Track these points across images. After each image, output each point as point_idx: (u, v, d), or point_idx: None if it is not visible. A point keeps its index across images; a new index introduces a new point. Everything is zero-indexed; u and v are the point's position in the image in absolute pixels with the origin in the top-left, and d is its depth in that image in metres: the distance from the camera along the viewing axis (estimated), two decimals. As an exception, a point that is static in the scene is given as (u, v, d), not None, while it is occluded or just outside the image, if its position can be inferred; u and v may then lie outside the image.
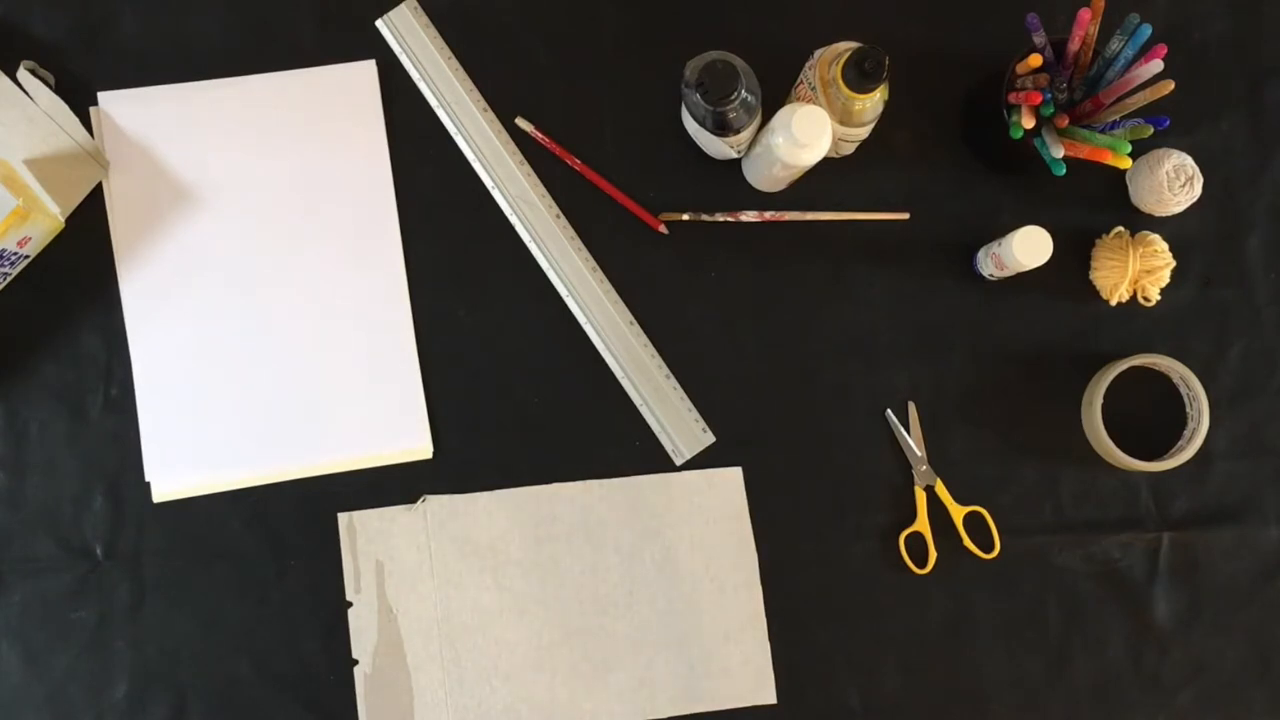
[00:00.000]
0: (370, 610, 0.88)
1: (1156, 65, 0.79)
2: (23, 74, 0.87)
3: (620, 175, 0.91)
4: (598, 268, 0.91)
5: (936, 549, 0.90)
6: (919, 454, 0.91)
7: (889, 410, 0.91)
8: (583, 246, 0.91)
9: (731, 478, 0.90)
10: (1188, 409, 0.91)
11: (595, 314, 0.90)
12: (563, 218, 0.91)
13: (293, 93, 0.91)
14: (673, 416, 0.90)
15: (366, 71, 0.91)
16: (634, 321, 0.90)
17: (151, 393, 0.89)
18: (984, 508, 0.90)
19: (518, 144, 0.91)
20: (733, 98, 0.79)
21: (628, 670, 0.89)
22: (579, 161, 0.91)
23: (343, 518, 0.89)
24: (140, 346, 0.89)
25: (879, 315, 0.92)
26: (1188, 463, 0.89)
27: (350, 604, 0.88)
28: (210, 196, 0.90)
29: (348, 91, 0.91)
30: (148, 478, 0.89)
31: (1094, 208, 0.93)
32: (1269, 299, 0.93)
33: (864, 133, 0.86)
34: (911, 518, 0.90)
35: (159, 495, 0.89)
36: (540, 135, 0.91)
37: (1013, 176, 0.92)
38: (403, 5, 0.91)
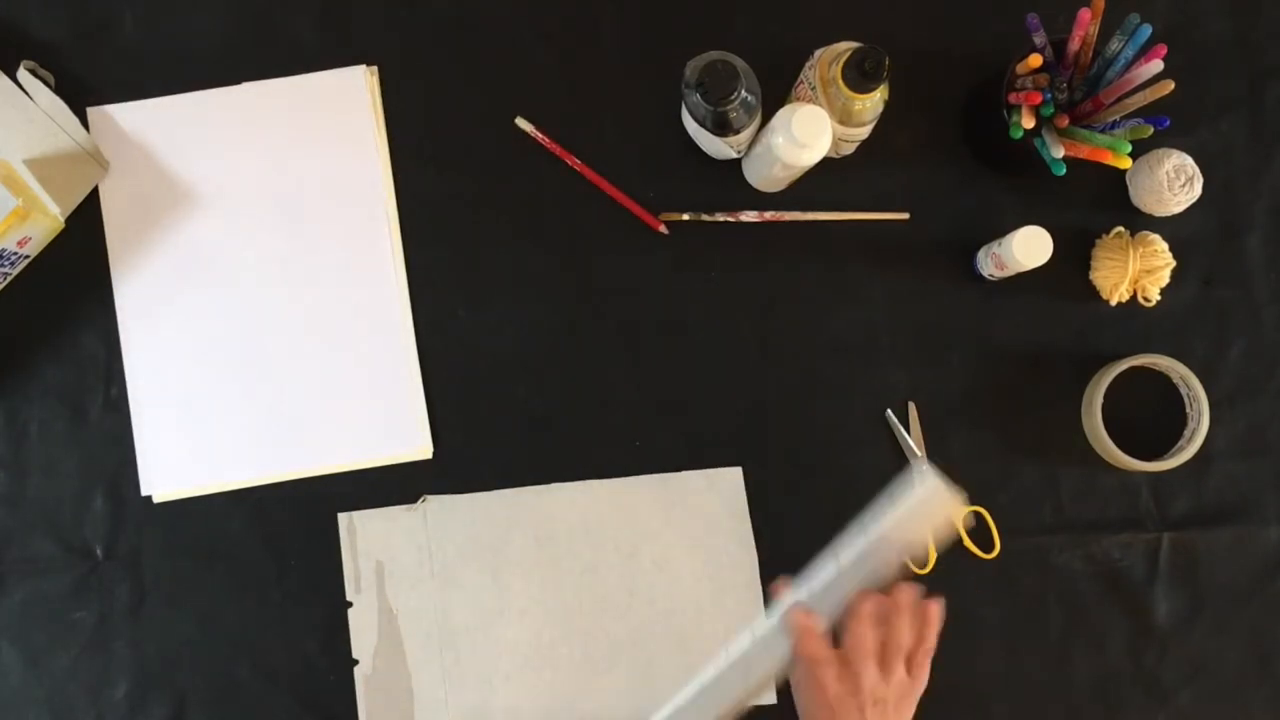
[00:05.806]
0: (370, 610, 0.88)
1: (1156, 65, 0.79)
2: (23, 74, 0.87)
3: (620, 175, 0.91)
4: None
5: (936, 549, 0.90)
6: (919, 454, 0.90)
7: (889, 410, 0.91)
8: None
9: (731, 478, 0.90)
10: (1188, 409, 0.91)
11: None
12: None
13: (289, 98, 0.91)
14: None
15: (362, 76, 0.91)
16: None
17: (146, 396, 0.89)
18: (984, 508, 0.90)
19: (518, 144, 0.91)
20: (733, 98, 0.79)
21: (628, 670, 0.89)
22: (579, 161, 0.91)
23: (343, 518, 0.89)
24: (134, 350, 0.89)
25: (879, 315, 0.92)
26: (1188, 463, 0.89)
27: (350, 604, 0.88)
28: (207, 200, 0.90)
29: (344, 96, 0.91)
30: (142, 487, 0.88)
31: (1094, 208, 0.93)
32: (1269, 299, 0.93)
33: (864, 133, 0.86)
34: (911, 518, 0.90)
35: (159, 495, 0.89)
36: (540, 135, 0.91)
37: (1013, 176, 0.92)
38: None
